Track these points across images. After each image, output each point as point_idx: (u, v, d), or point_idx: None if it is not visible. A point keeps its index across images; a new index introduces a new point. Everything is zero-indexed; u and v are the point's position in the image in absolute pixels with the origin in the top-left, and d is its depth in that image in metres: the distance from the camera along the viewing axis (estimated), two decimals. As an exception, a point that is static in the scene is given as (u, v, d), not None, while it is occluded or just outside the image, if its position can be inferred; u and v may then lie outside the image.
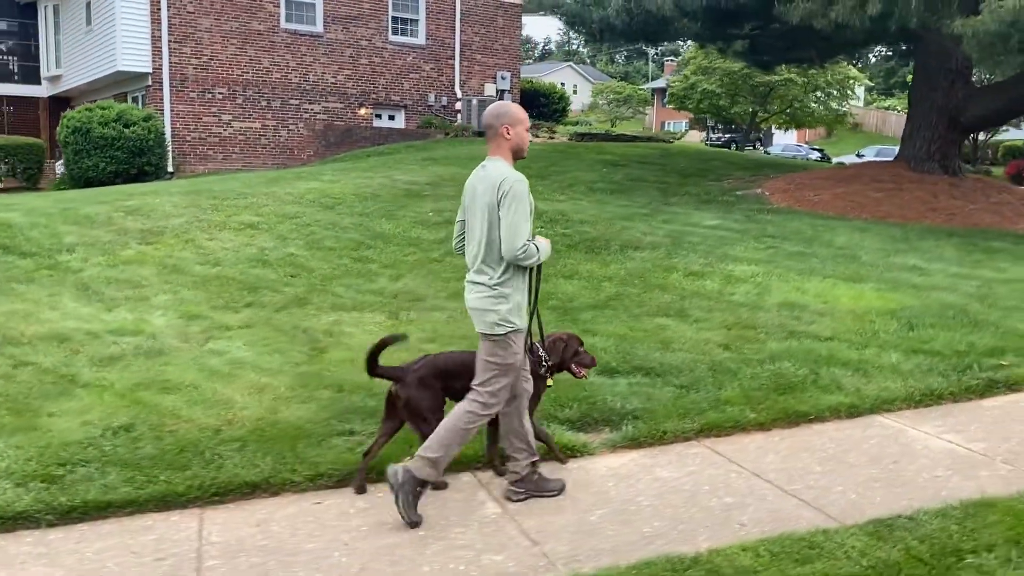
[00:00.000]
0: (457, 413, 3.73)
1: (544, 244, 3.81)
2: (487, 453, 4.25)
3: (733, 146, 54.69)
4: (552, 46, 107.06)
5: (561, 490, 3.98)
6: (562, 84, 78.41)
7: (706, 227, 10.73)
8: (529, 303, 3.85)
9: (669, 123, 70.46)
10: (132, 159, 16.26)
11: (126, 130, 16.15)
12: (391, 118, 21.36)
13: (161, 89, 17.90)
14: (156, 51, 17.74)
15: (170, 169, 17.92)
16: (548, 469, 4.12)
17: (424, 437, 3.75)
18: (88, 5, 19.19)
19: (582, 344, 4.31)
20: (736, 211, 12.22)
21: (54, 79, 22.27)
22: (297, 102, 19.68)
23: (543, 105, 24.02)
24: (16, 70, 23.70)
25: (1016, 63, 9.75)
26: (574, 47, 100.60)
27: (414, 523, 3.64)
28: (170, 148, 17.99)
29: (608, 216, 10.91)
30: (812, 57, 17.17)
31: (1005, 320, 6.88)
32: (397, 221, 10.11)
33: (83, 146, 16.01)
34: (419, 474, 3.63)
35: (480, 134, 20.75)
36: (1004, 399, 5.34)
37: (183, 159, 18.28)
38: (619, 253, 9.04)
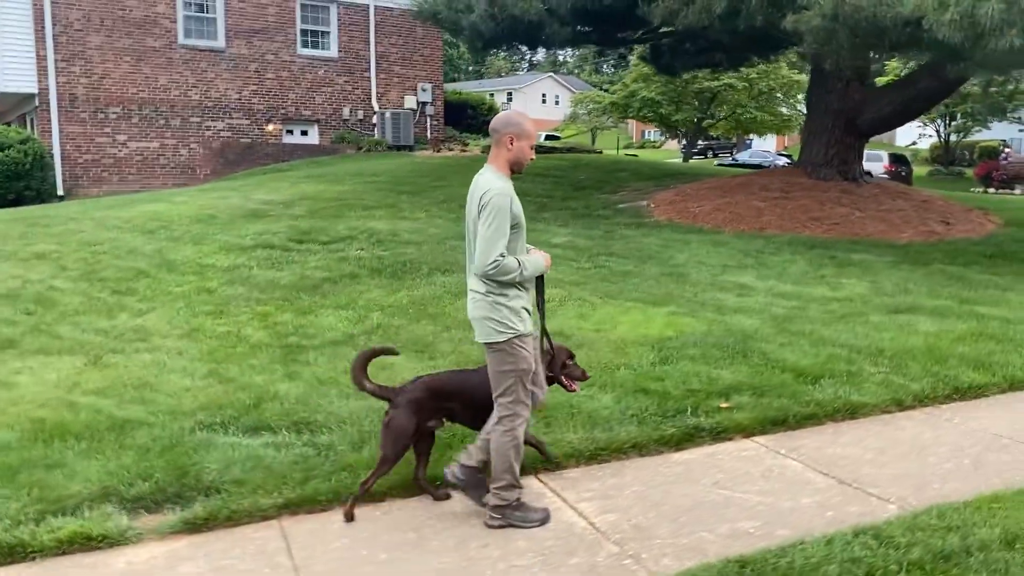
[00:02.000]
0: (496, 437, 3.70)
1: (533, 259, 3.76)
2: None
3: (709, 154, 54.10)
4: (539, 57, 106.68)
5: (544, 521, 3.78)
6: (543, 95, 78.54)
7: (548, 245, 9.99)
8: (533, 311, 3.81)
9: (649, 132, 69.87)
10: (8, 183, 15.62)
11: (1, 154, 15.50)
12: (304, 133, 20.68)
13: (48, 110, 17.26)
14: (42, 70, 17.11)
15: (60, 192, 17.27)
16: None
17: (380, 461, 3.83)
18: (-23, 25, 18.61)
19: (572, 356, 4.28)
20: (601, 227, 11.50)
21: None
22: (199, 120, 19.02)
23: (471, 117, 23.32)
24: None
25: (849, 59, 9.01)
26: (561, 59, 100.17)
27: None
28: (59, 171, 17.35)
29: (448, 235, 10.19)
30: (720, 61, 16.44)
31: (780, 350, 6.13)
32: (203, 246, 9.40)
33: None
34: (504, 503, 3.71)
35: (395, 147, 20.13)
36: (699, 452, 4.59)
37: (75, 182, 17.64)
38: (423, 277, 8.32)
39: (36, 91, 17.21)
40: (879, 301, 7.73)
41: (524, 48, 17.17)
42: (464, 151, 19.29)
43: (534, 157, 3.90)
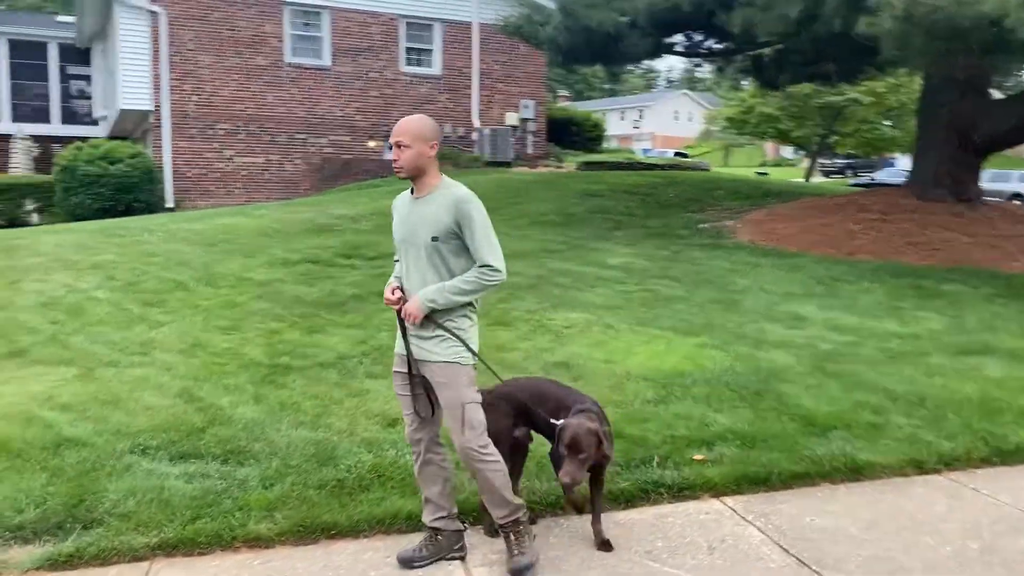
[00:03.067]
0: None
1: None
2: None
3: (848, 172, 51.18)
4: (675, 74, 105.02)
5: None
6: (675, 112, 76.93)
7: (602, 266, 9.44)
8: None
9: (786, 150, 67.01)
10: (117, 195, 16.44)
11: (111, 167, 16.37)
12: (405, 150, 20.82)
13: (161, 126, 18.13)
14: (156, 89, 17.99)
15: (170, 204, 18.07)
16: None
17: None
18: (105, 49, 19.80)
19: None
20: (670, 247, 10.79)
21: (102, 119, 23.21)
22: (303, 136, 19.50)
23: (575, 134, 22.85)
24: (89, 112, 24.90)
25: (928, 63, 7.98)
26: (698, 75, 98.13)
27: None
28: (170, 184, 18.15)
29: (504, 252, 9.78)
30: (829, 74, 15.31)
31: (801, 393, 5.37)
32: (251, 260, 9.42)
33: (70, 183, 16.35)
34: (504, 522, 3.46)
35: (492, 164, 19.97)
36: (650, 512, 4.00)
37: (184, 195, 18.41)
38: (450, 298, 7.94)
39: (152, 108, 18.10)
40: (951, 340, 6.73)
41: (624, 62, 16.37)
42: (559, 168, 18.86)
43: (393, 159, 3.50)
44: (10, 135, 22.02)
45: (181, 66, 18.22)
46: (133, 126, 20.33)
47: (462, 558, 3.56)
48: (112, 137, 19.33)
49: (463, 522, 3.65)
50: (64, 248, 10.25)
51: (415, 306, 3.36)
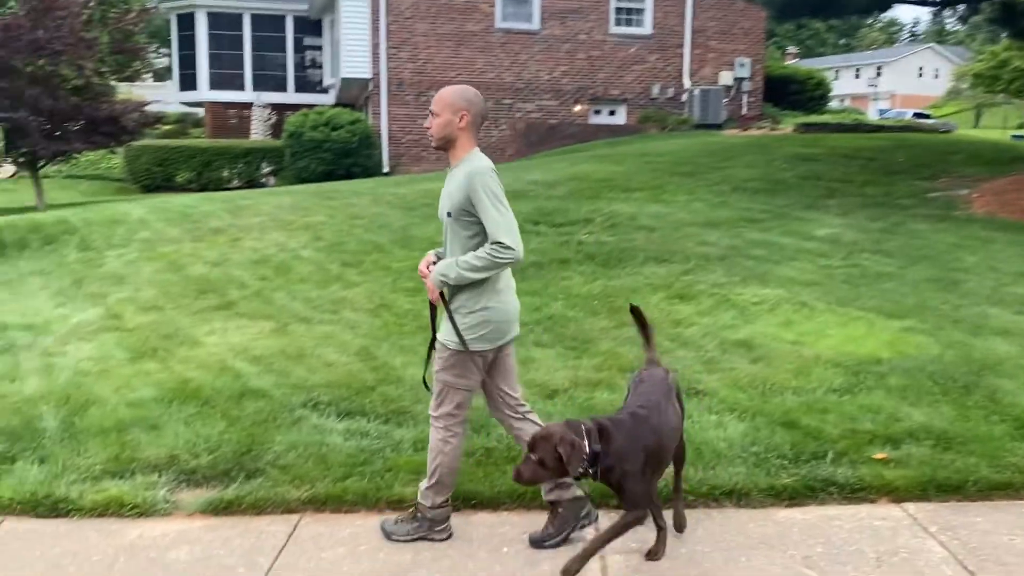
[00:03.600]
0: None
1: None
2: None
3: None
4: (921, 27, 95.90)
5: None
6: (920, 68, 70.10)
7: (806, 237, 8.75)
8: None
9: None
10: (338, 160, 17.50)
11: (333, 133, 17.43)
12: (611, 113, 20.53)
13: (379, 94, 19.02)
14: (375, 57, 18.88)
15: (385, 169, 19.00)
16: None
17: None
18: (333, 20, 21.01)
19: None
20: (889, 218, 9.81)
21: (330, 87, 24.78)
22: (510, 101, 19.73)
23: (795, 93, 21.42)
24: (319, 81, 26.73)
25: None
26: (949, 27, 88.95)
27: None
28: (386, 150, 19.07)
29: (695, 221, 9.38)
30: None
31: (1021, 391, 4.62)
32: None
33: (296, 148, 17.60)
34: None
35: (702, 126, 19.21)
36: (814, 512, 3.60)
37: (398, 160, 19.28)
38: (634, 267, 7.71)
39: (370, 76, 19.02)
40: None
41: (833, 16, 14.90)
42: (774, 130, 17.77)
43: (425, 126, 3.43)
44: (251, 103, 24.07)
45: (398, 34, 18.95)
46: (357, 93, 21.50)
47: (593, 522, 3.46)
48: (338, 104, 20.56)
49: (582, 489, 3.45)
50: (282, 209, 11.01)
51: (430, 281, 3.32)
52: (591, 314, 6.48)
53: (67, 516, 3.69)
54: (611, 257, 8.01)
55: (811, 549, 3.28)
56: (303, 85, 25.80)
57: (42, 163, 15.43)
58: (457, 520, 3.59)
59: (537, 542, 3.41)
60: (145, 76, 27.60)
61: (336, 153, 17.46)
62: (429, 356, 3.56)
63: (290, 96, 25.09)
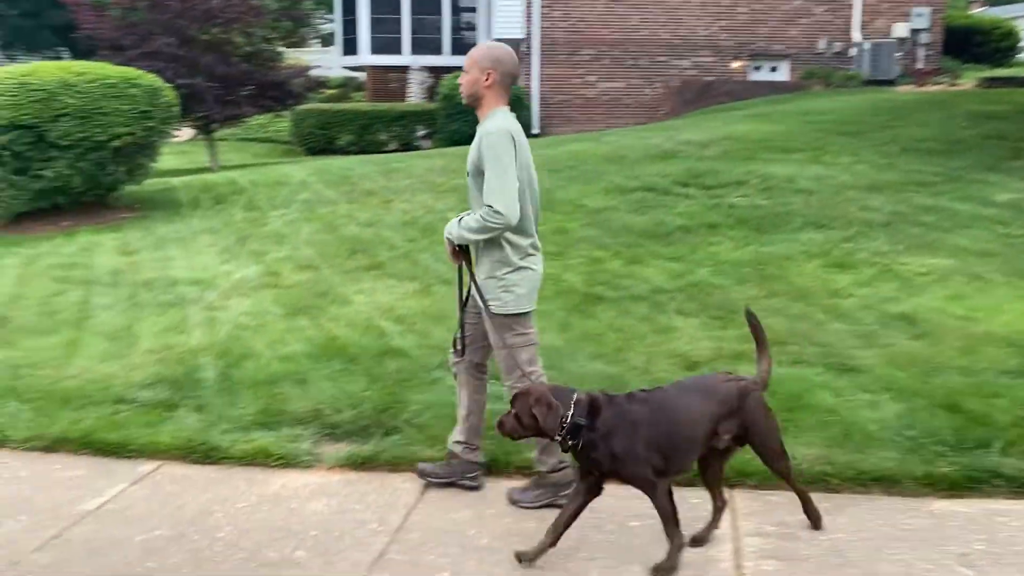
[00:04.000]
0: None
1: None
2: None
3: None
4: None
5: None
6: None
7: (984, 203, 8.02)
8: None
9: None
10: (489, 122, 17.59)
11: (485, 95, 17.51)
12: (772, 70, 19.50)
13: (531, 54, 18.93)
14: (528, 17, 18.77)
15: (535, 131, 18.96)
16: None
17: None
18: (486, -20, 21.07)
19: None
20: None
21: (485, 49, 24.92)
22: (664, 59, 19.13)
23: (978, 45, 19.56)
24: (475, 43, 26.99)
25: None
26: None
27: None
28: (536, 111, 19.01)
29: (857, 184, 8.79)
30: None
31: None
32: (590, 186, 9.49)
33: (450, 111, 17.85)
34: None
35: (872, 82, 17.95)
36: (976, 505, 3.31)
37: (548, 121, 19.18)
38: (789, 232, 7.34)
39: (523, 36, 18.95)
40: None
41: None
42: (953, 85, 16.32)
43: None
44: (407, 67, 24.60)
45: (550, -8, 18.75)
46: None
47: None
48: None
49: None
50: (432, 172, 11.21)
51: (445, 237, 3.45)
52: (739, 282, 6.21)
53: (218, 463, 3.93)
54: (764, 222, 7.64)
55: (969, 546, 3.01)
56: (460, 47, 26.05)
57: (215, 127, 16.45)
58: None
59: (515, 500, 3.48)
60: (312, 42, 28.78)
61: (487, 115, 17.55)
62: (462, 316, 3.66)
63: (446, 59, 25.42)
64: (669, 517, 2.90)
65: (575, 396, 2.93)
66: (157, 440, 4.05)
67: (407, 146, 20.61)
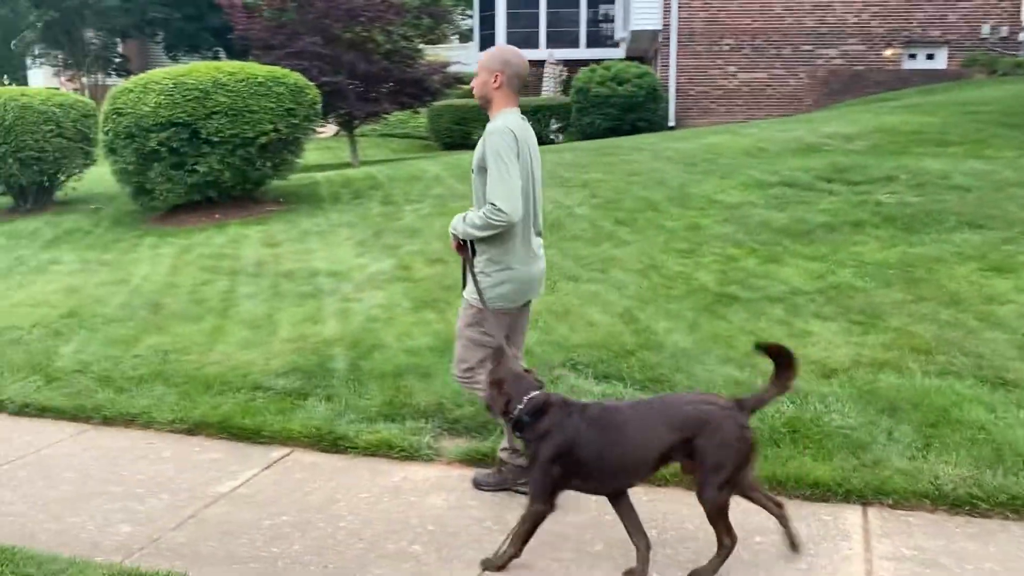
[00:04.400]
0: None
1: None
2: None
3: None
4: None
5: None
6: None
7: None
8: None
9: None
10: (623, 115, 17.41)
11: (619, 88, 17.33)
12: (929, 57, 18.30)
13: (668, 45, 18.56)
14: (666, 7, 18.40)
15: (671, 123, 18.61)
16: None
17: None
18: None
19: None
20: None
21: (621, 41, 24.67)
22: (810, 48, 18.31)
23: None
24: (611, 35, 26.76)
25: None
26: None
27: None
28: (672, 103, 18.63)
29: (1022, 180, 8.12)
30: None
31: None
32: (727, 181, 9.19)
33: (583, 104, 17.75)
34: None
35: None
36: None
37: (685, 113, 18.76)
38: (941, 232, 6.85)
39: (660, 27, 18.61)
40: None
41: None
42: None
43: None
44: (543, 61, 24.65)
45: (690, -18, 18.31)
46: (646, 46, 21.20)
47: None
48: (628, 58, 20.40)
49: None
50: (562, 166, 11.17)
51: (450, 231, 3.54)
52: (884, 285, 5.84)
53: (344, 452, 4.03)
54: (915, 220, 7.16)
55: None
56: (595, 40, 25.94)
57: (356, 123, 17.02)
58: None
59: (477, 483, 3.65)
60: (451, 38, 29.32)
61: (621, 108, 17.36)
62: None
63: (581, 52, 25.35)
64: (519, 534, 2.96)
65: (532, 393, 2.98)
66: (289, 427, 4.20)
67: (540, 140, 20.66)
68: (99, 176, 13.22)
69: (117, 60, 30.68)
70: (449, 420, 4.20)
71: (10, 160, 10.59)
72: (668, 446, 2.84)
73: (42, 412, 4.81)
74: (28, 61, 31.94)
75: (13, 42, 30.69)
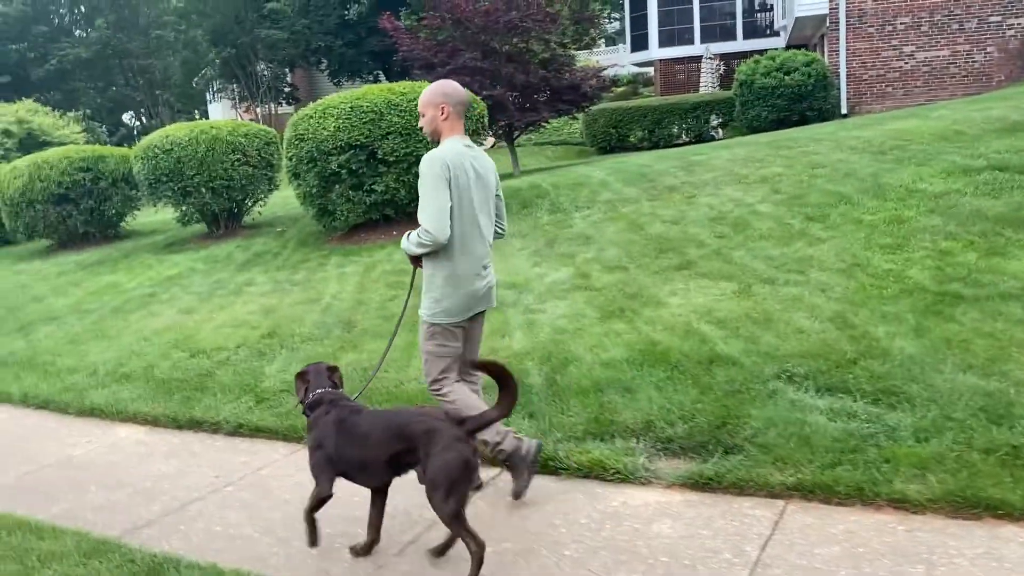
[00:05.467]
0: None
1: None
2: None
3: None
4: None
5: None
6: None
7: None
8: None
9: None
10: (791, 105, 16.59)
11: (786, 77, 16.52)
12: None
13: (837, 29, 17.51)
14: (833, -10, 17.39)
15: (843, 111, 17.56)
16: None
17: None
18: (784, -45, 19.78)
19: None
20: None
21: (782, 29, 23.61)
22: (998, 19, 16.74)
23: None
24: (769, 24, 25.73)
25: None
26: None
27: None
28: (844, 89, 17.57)
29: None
30: None
31: None
32: (925, 168, 8.46)
33: (747, 97, 17.05)
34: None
35: None
36: None
37: (858, 99, 17.62)
38: None
39: (827, 11, 17.60)
40: None
41: None
42: None
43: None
44: (699, 56, 23.97)
45: (859, -39, 17.21)
46: (811, 32, 20.16)
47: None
48: (789, 47, 19.49)
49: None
50: (735, 162, 10.69)
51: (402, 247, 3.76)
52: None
53: (555, 474, 3.88)
54: None
55: None
56: (751, 31, 24.99)
57: (517, 133, 17.06)
58: (978, 531, 3.00)
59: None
60: (600, 42, 29.09)
61: (789, 98, 16.53)
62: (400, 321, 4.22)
63: (738, 44, 24.48)
64: (307, 511, 3.33)
65: (321, 389, 3.46)
66: (495, 447, 4.09)
67: (699, 137, 20.05)
68: (281, 200, 13.91)
69: (287, 89, 32.47)
70: (662, 439, 3.96)
71: (203, 189, 11.27)
72: (399, 454, 3.16)
73: (255, 432, 4.96)
74: (208, 96, 34.40)
75: (195, 79, 33.14)
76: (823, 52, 18.33)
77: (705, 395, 4.32)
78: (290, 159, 10.01)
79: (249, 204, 12.25)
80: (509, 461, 3.65)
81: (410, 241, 3.65)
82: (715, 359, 4.80)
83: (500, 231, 3.95)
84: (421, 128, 3.80)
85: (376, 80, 29.42)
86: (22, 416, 5.87)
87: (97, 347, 7.22)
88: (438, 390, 3.72)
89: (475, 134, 10.23)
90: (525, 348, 5.51)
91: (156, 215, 14.54)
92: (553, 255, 8.10)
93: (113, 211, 13.94)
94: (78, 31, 37.28)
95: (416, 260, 3.76)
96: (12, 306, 9.66)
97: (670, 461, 3.82)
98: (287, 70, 31.74)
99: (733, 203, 8.71)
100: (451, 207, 3.50)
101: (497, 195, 3.85)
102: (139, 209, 14.61)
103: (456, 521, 3.03)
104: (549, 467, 3.91)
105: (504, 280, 7.44)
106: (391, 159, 9.52)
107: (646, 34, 25.36)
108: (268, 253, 10.27)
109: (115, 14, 34.76)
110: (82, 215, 13.48)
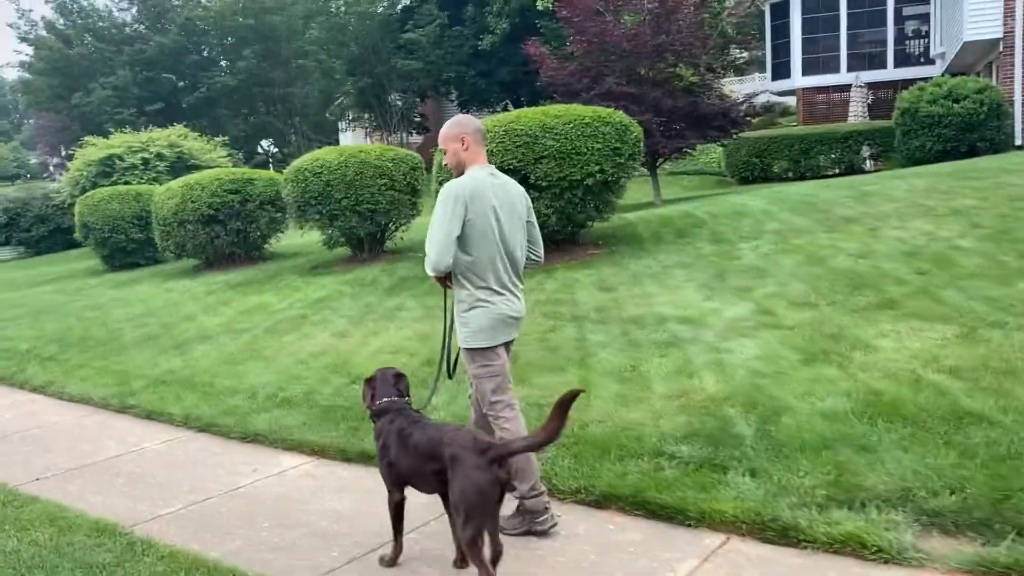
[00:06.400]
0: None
1: None
2: None
3: None
4: None
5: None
6: None
7: None
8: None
9: None
10: (960, 135, 15.37)
11: (955, 106, 15.34)
12: None
13: (1012, 54, 16.21)
14: (1008, 12, 16.11)
15: (1018, 142, 16.19)
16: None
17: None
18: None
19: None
20: None
21: (938, 56, 22.22)
22: None
23: None
24: (923, 52, 24.29)
25: None
26: None
27: None
28: (1019, 118, 16.21)
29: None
30: None
31: None
32: None
33: (910, 126, 15.92)
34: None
35: None
36: None
37: (1038, 129, 16.23)
38: None
39: (1000, 35, 16.34)
40: None
41: None
42: None
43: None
44: (846, 85, 22.81)
45: (1038, -20, 15.91)
46: (975, 59, 18.84)
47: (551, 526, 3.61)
48: (950, 74, 18.21)
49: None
50: (915, 193, 9.81)
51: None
52: None
53: (796, 546, 3.28)
54: None
55: None
56: (902, 59, 23.68)
57: (660, 160, 16.50)
58: None
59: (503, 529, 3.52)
60: (745, 69, 28.26)
61: (958, 128, 15.31)
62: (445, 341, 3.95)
63: (888, 72, 23.24)
64: (392, 521, 3.49)
65: (387, 398, 3.54)
66: (718, 508, 3.54)
67: (850, 168, 18.92)
68: (422, 226, 13.79)
69: (417, 119, 32.97)
70: (928, 512, 3.30)
71: (349, 213, 11.20)
72: (437, 471, 3.18)
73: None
74: (341, 125, 35.31)
75: (329, 109, 34.10)
76: (993, 79, 17.02)
77: (967, 459, 3.63)
78: (440, 183, 9.77)
79: (392, 229, 12.14)
80: (523, 510, 3.65)
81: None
82: (964, 416, 4.10)
83: (534, 257, 3.92)
84: (446, 164, 3.83)
85: (506, 110, 29.44)
86: (187, 439, 5.68)
87: (254, 368, 7.06)
88: (496, 413, 3.70)
89: (631, 159, 9.73)
90: (722, 392, 4.93)
91: (301, 238, 14.66)
92: (725, 288, 7.48)
93: (259, 233, 14.16)
94: (224, 61, 39.10)
95: (442, 281, 3.77)
96: (166, 323, 9.76)
97: (943, 540, 3.16)
98: (418, 100, 32.22)
99: (926, 237, 7.88)
100: (459, 236, 3.55)
101: (529, 221, 3.86)
102: (283, 231, 14.81)
103: (472, 548, 3.01)
104: (789, 537, 3.31)
105: (673, 314, 6.88)
106: (543, 184, 9.14)
107: (788, 62, 24.39)
108: (414, 278, 10.04)
109: (261, 44, 36.22)
110: (229, 236, 13.73)
